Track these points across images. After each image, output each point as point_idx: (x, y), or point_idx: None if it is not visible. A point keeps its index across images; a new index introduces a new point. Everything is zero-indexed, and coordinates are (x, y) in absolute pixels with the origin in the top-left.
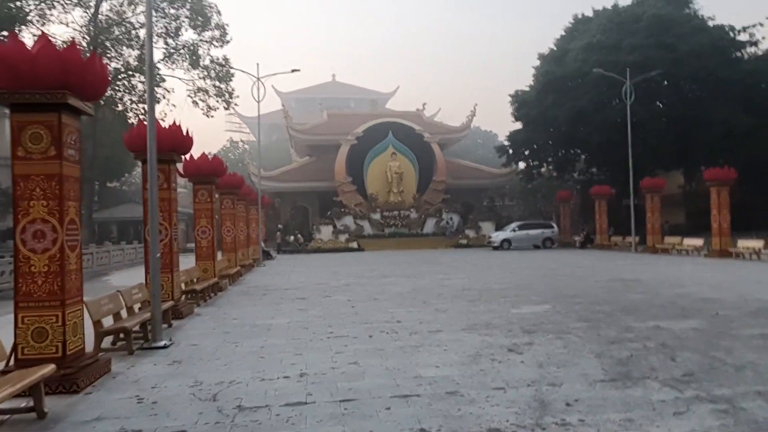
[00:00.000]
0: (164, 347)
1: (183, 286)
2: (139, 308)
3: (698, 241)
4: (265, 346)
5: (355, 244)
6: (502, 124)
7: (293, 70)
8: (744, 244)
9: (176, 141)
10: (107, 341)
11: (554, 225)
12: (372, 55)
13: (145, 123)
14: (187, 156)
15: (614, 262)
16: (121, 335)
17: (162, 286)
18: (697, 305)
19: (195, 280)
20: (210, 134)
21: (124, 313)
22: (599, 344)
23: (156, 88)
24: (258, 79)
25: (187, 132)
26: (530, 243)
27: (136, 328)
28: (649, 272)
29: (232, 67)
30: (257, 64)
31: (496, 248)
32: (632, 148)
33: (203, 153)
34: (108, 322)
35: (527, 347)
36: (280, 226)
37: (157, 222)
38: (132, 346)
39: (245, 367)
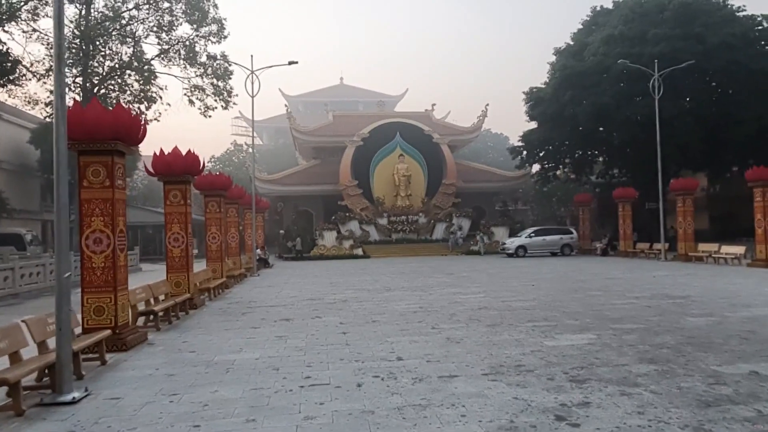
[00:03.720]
0: (72, 402)
1: (144, 305)
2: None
3: (739, 249)
4: (209, 403)
5: (360, 251)
6: (514, 127)
7: (290, 62)
8: None
9: (120, 127)
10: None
11: (573, 230)
12: (381, 58)
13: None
14: (158, 151)
15: (648, 272)
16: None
17: (102, 309)
18: None
19: (161, 297)
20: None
21: (32, 352)
22: (689, 407)
23: (149, 86)
24: (252, 72)
25: (137, 117)
26: (547, 250)
27: (46, 371)
28: (695, 286)
29: (227, 62)
30: (251, 56)
31: (510, 255)
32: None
33: (175, 147)
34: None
35: (583, 411)
36: (281, 231)
37: (66, 227)
38: (21, 403)
39: None
